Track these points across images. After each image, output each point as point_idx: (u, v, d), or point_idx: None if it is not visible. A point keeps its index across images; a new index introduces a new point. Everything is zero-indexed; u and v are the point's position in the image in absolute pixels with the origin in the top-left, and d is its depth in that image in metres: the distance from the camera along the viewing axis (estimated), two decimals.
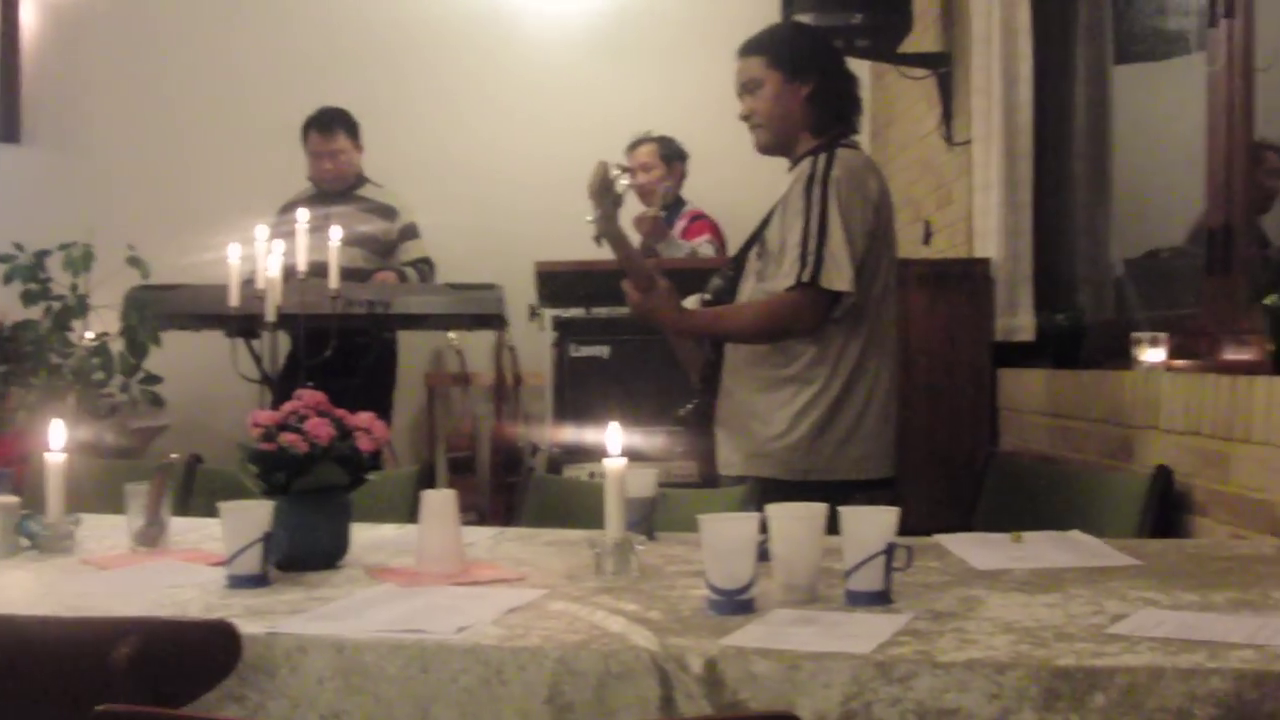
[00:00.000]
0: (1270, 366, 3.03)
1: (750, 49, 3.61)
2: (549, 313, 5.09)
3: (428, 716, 1.98)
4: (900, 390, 4.51)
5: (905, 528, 3.00)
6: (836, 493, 3.14)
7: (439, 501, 2.60)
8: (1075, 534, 2.90)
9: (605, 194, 3.36)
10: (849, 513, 2.27)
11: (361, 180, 6.50)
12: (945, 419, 4.77)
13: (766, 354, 3.45)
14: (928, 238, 5.96)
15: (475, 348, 7.18)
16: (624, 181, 3.39)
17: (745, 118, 3.59)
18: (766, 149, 3.60)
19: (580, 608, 2.23)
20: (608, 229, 3.40)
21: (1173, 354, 3.66)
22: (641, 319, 3.52)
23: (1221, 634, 1.97)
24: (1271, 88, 3.54)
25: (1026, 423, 4.56)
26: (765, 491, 3.19)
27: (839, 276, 3.29)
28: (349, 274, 5.72)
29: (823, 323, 3.36)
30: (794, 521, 2.27)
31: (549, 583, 2.46)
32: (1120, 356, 3.85)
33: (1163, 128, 4.50)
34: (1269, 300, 2.99)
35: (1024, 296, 4.77)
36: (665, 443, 4.42)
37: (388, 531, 3.08)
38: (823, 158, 3.40)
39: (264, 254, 4.44)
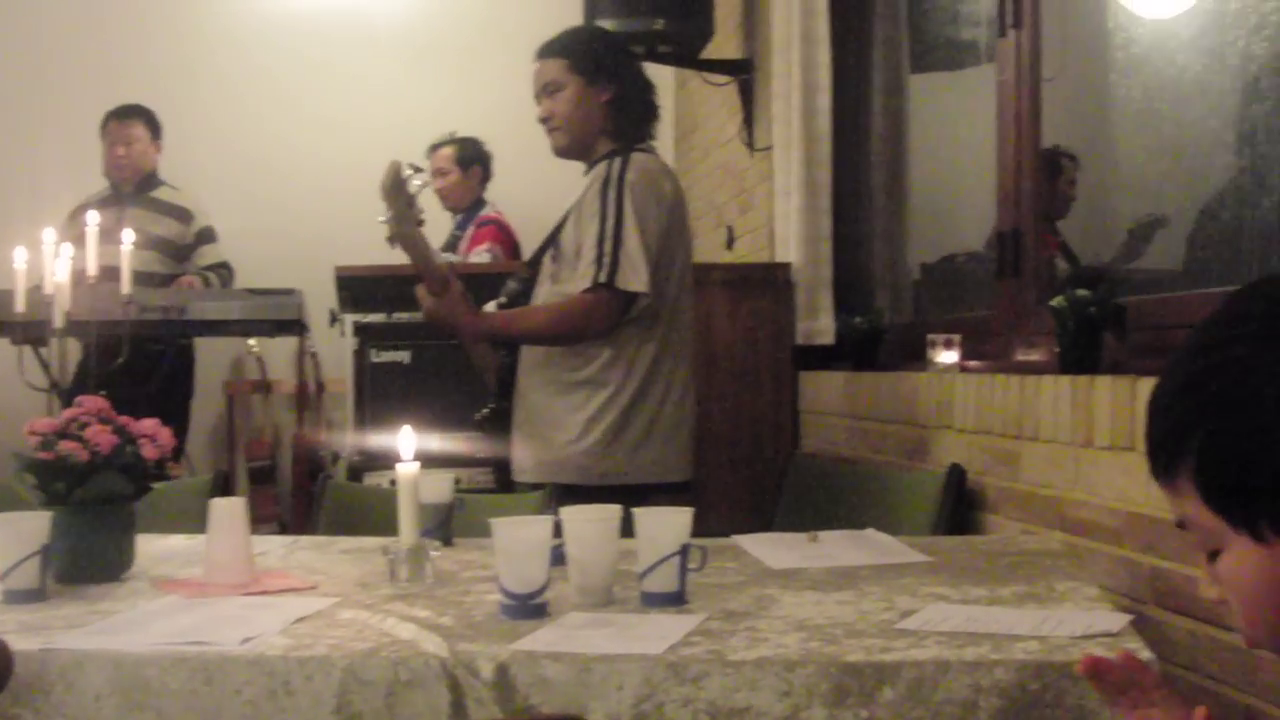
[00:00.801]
0: (1057, 367, 3.10)
1: (550, 51, 3.59)
2: (349, 318, 5.00)
3: None
4: (703, 393, 4.55)
5: (707, 529, 3.01)
6: (633, 496, 3.14)
7: (227, 510, 2.53)
8: (870, 532, 2.94)
9: (398, 194, 3.30)
10: (643, 514, 2.26)
11: (156, 181, 6.33)
12: (747, 421, 4.80)
13: (561, 357, 3.42)
14: (730, 243, 6.01)
15: (276, 354, 7.03)
16: (417, 182, 3.33)
17: (544, 120, 3.57)
18: (563, 152, 3.58)
19: (371, 615, 2.18)
20: (400, 230, 3.34)
21: (966, 355, 3.73)
22: (436, 323, 3.46)
23: (1006, 627, 2.01)
24: (1058, 97, 3.63)
25: (826, 424, 4.62)
26: (562, 495, 3.17)
27: (635, 278, 3.29)
28: (143, 279, 5.57)
29: (618, 324, 3.35)
30: (588, 524, 2.26)
31: (341, 591, 2.41)
32: (917, 358, 3.92)
33: (957, 136, 4.59)
34: (1056, 303, 3.06)
35: (824, 300, 4.83)
36: (466, 447, 4.37)
37: (177, 542, 2.99)
38: (618, 161, 3.40)
39: (52, 258, 4.28)
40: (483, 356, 3.63)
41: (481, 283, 3.86)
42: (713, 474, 4.69)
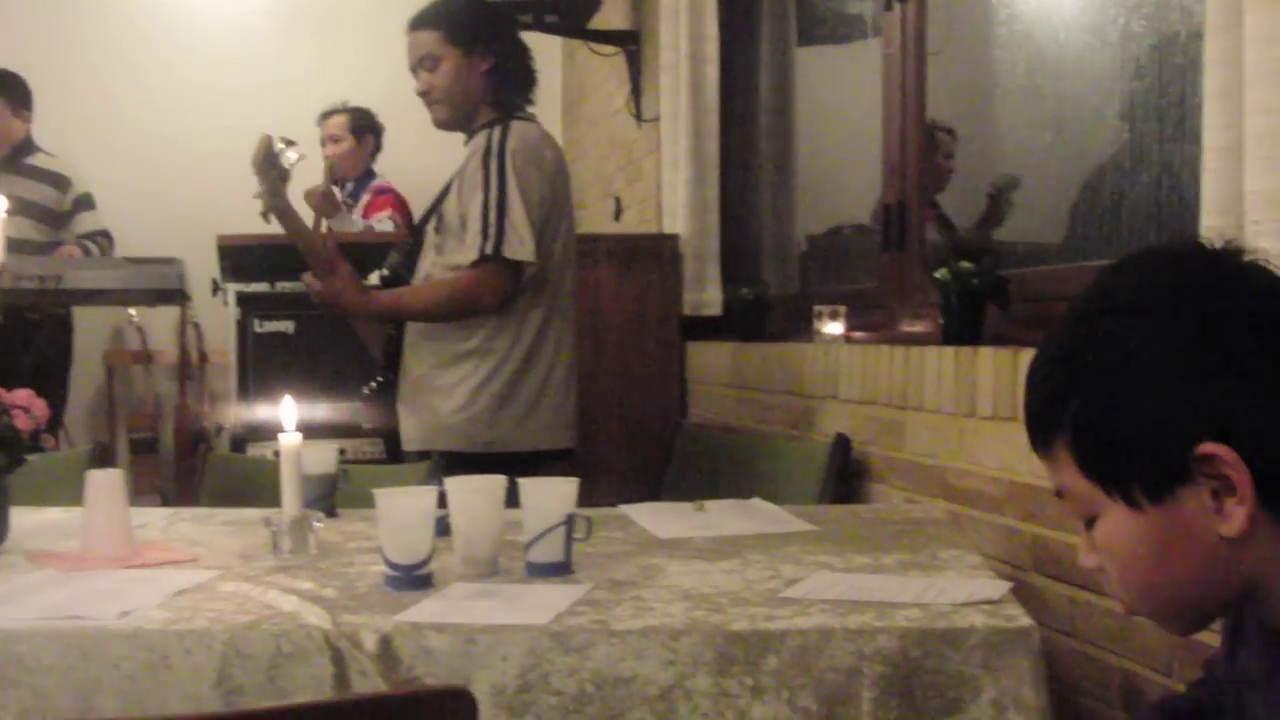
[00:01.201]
0: (941, 338, 3.13)
1: (424, 22, 3.51)
2: (232, 287, 4.92)
3: (89, 706, 1.88)
4: (591, 363, 4.55)
5: (595, 499, 3.01)
6: (520, 464, 3.14)
7: (104, 481, 2.47)
8: (756, 502, 2.95)
9: (269, 168, 3.23)
10: (528, 484, 2.25)
11: (31, 148, 6.18)
12: (635, 392, 4.81)
13: (447, 328, 3.39)
14: (618, 213, 6.00)
15: (157, 324, 6.91)
16: (291, 156, 3.26)
17: (423, 94, 3.51)
18: (445, 124, 3.53)
19: (253, 588, 2.15)
20: (274, 204, 3.27)
21: (852, 327, 3.76)
22: (325, 307, 3.39)
23: (889, 595, 2.03)
24: (943, 71, 3.66)
25: (714, 395, 4.63)
26: (449, 465, 3.15)
27: (521, 247, 3.26)
28: (19, 246, 5.44)
29: (511, 296, 3.33)
30: (472, 494, 2.24)
31: (222, 563, 2.37)
32: (803, 330, 3.94)
33: (844, 109, 4.62)
34: (939, 275, 3.09)
35: (711, 271, 4.85)
36: (352, 418, 4.33)
37: (53, 515, 2.92)
38: (498, 131, 3.36)
39: None
40: (368, 330, 3.59)
41: (361, 253, 3.81)
42: (601, 444, 4.68)
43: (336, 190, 6.08)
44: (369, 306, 3.39)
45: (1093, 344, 1.16)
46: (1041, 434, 1.21)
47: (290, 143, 3.30)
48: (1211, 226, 2.10)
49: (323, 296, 3.34)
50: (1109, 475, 1.16)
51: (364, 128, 6.32)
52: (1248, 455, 1.10)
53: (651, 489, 4.06)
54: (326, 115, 6.29)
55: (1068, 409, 1.17)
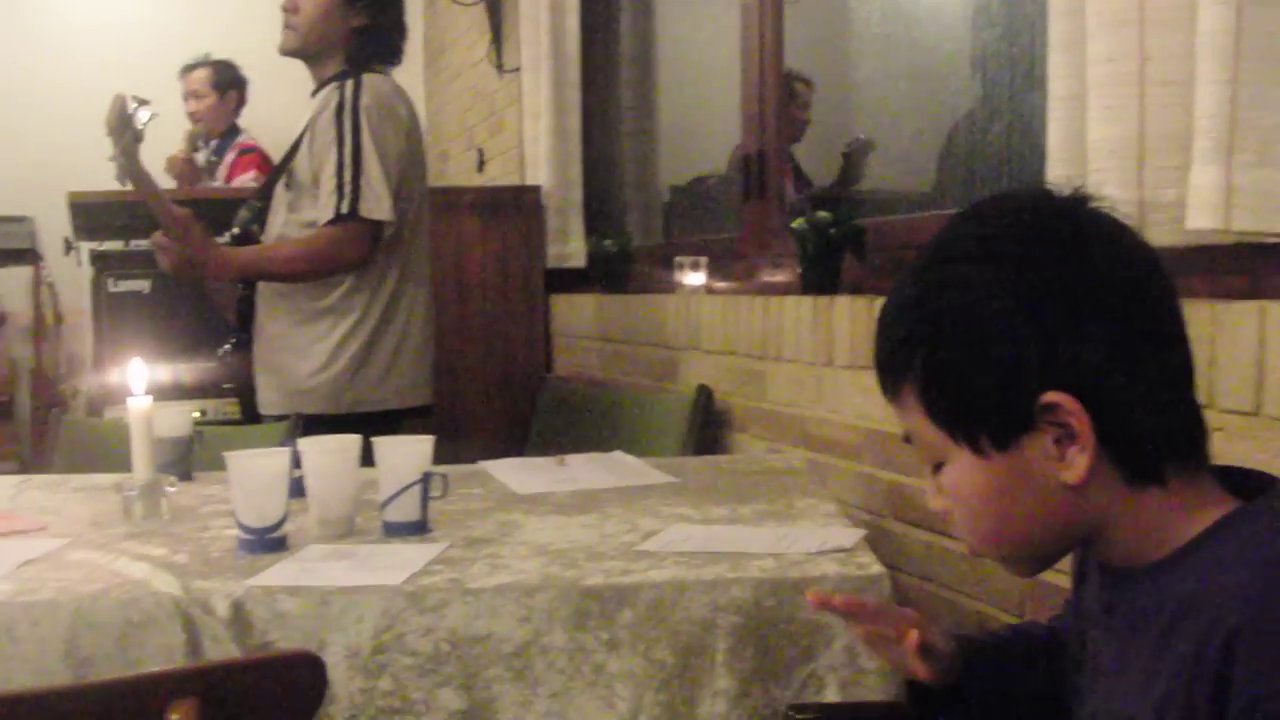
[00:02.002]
0: (800, 287, 3.15)
1: None
2: (85, 246, 4.80)
3: None
4: (454, 318, 4.51)
5: (460, 455, 2.99)
6: (380, 423, 3.11)
7: None
8: (617, 455, 2.96)
9: (124, 130, 3.13)
10: (383, 444, 2.23)
11: None
12: (500, 346, 4.78)
13: (300, 286, 3.32)
14: (481, 165, 5.95)
15: (9, 285, 6.73)
16: (143, 115, 3.16)
17: (286, 10, 3.38)
18: (289, 52, 3.41)
19: (102, 556, 2.10)
20: (129, 167, 3.18)
21: (713, 277, 3.77)
22: (178, 271, 3.30)
23: (744, 545, 2.04)
24: (800, 20, 3.66)
25: (578, 347, 4.63)
26: (309, 426, 3.11)
27: (378, 206, 3.21)
28: None
29: (371, 254, 3.28)
30: (326, 455, 2.21)
31: (72, 531, 2.32)
32: (666, 281, 3.94)
33: (704, 58, 4.61)
34: (797, 225, 3.10)
35: (575, 223, 4.83)
36: (211, 378, 4.26)
37: None
38: (350, 85, 3.28)
39: None
40: (220, 291, 3.51)
41: (215, 209, 3.73)
42: (466, 399, 4.66)
43: (199, 157, 5.96)
44: (225, 268, 3.30)
45: (940, 292, 1.17)
46: (890, 380, 1.22)
47: (143, 102, 3.19)
48: (1058, 175, 2.12)
49: (177, 260, 3.25)
50: (955, 422, 1.17)
51: (227, 82, 6.17)
52: (1090, 404, 1.11)
53: (517, 444, 4.06)
54: (188, 69, 6.14)
55: (915, 356, 1.18)
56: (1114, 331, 1.12)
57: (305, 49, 3.39)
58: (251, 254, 3.36)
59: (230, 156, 6.03)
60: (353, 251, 3.24)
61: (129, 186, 3.24)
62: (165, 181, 5.02)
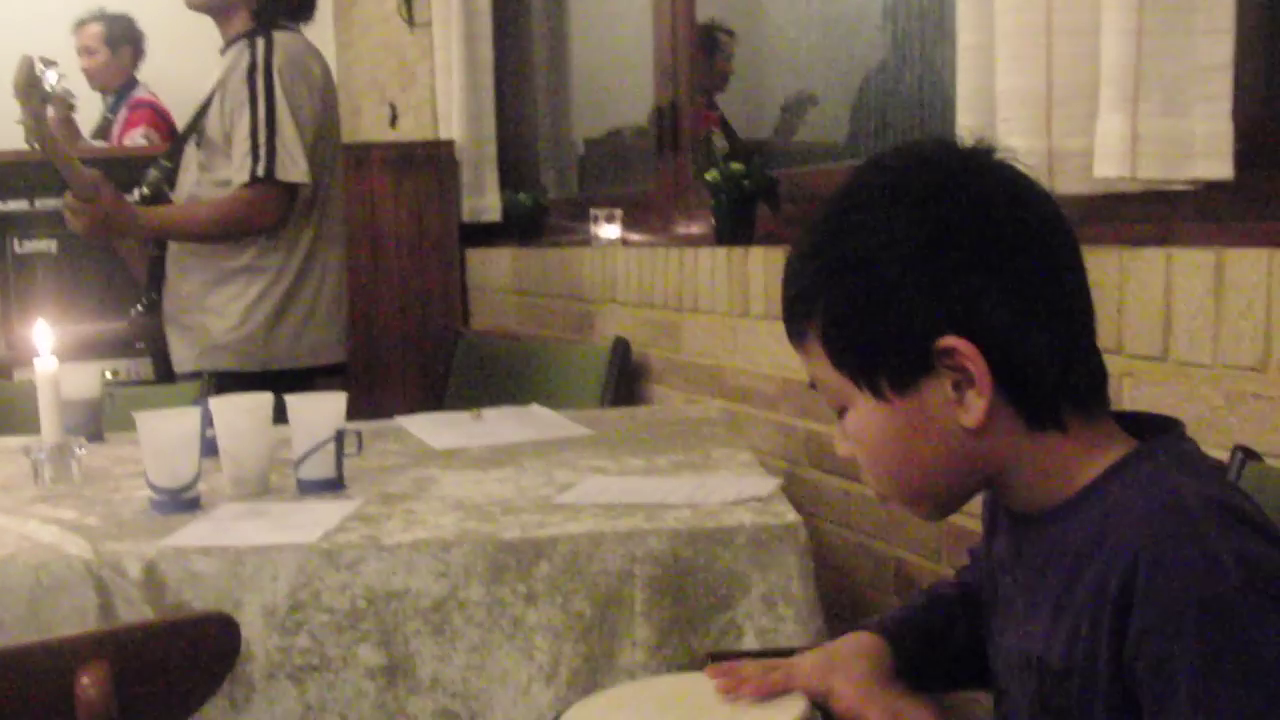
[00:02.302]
0: (714, 238, 3.15)
1: None
2: None
3: None
4: (369, 274, 4.49)
5: (378, 412, 2.98)
6: (294, 382, 3.08)
7: None
8: (534, 408, 2.95)
9: (32, 92, 3.06)
10: (296, 401, 2.21)
11: None
12: (416, 301, 4.76)
13: (214, 246, 3.29)
14: (394, 120, 5.88)
15: None
16: (52, 77, 3.09)
17: None
18: (197, 7, 3.35)
19: (11, 520, 2.07)
20: (38, 130, 3.11)
21: (629, 229, 3.77)
22: (90, 233, 3.23)
23: (660, 496, 2.04)
24: None
25: (495, 301, 4.61)
26: (223, 385, 3.07)
27: (294, 168, 3.17)
28: None
29: (286, 216, 3.24)
30: (238, 413, 2.19)
31: None
32: (582, 234, 3.93)
33: (618, 9, 4.58)
34: (710, 176, 3.10)
35: (489, 177, 4.81)
36: (124, 338, 4.20)
37: None
38: (261, 44, 3.22)
39: None
40: (130, 250, 3.46)
41: (133, 167, 3.67)
42: (383, 355, 4.64)
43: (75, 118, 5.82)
44: (138, 230, 3.25)
45: (842, 239, 1.18)
46: (795, 327, 1.23)
47: (51, 63, 3.12)
48: (967, 124, 2.14)
49: (88, 223, 3.19)
50: (856, 367, 1.18)
51: (120, 38, 6.01)
52: (987, 348, 1.12)
53: (434, 399, 4.04)
54: (80, 25, 5.99)
55: (817, 303, 1.19)
56: (1012, 277, 1.13)
57: (211, 3, 3.33)
58: (164, 215, 3.31)
59: (124, 113, 5.90)
60: (268, 214, 3.21)
61: (39, 149, 3.17)
62: None
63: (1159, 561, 1.03)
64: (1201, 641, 1.00)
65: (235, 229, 3.23)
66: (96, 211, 3.14)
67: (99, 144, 5.58)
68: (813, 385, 1.25)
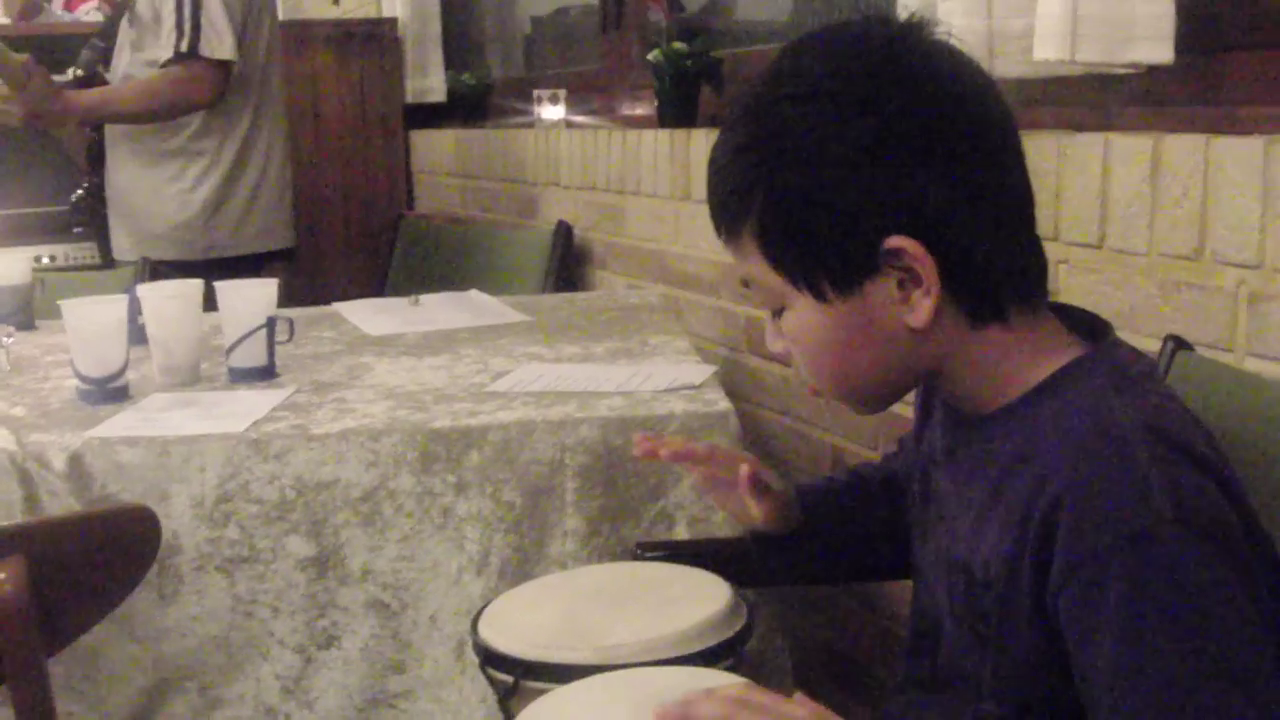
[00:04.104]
0: (657, 121, 3.11)
1: None
2: None
3: None
4: (312, 156, 4.42)
5: (320, 297, 2.94)
6: (240, 267, 3.05)
7: None
8: (473, 294, 2.92)
9: None
10: (225, 289, 2.17)
11: None
12: (360, 184, 4.70)
13: (149, 129, 3.22)
14: None
15: None
16: None
17: None
18: None
19: None
20: None
21: (573, 111, 3.71)
22: (24, 120, 3.17)
23: (594, 384, 2.03)
24: None
25: (439, 184, 4.55)
26: (167, 273, 3.03)
27: (220, 45, 3.10)
28: None
29: (221, 93, 3.17)
30: (166, 300, 2.15)
31: None
32: (527, 115, 3.87)
33: None
34: (653, 57, 3.05)
35: (434, 56, 4.73)
36: (62, 223, 4.13)
37: None
38: None
39: None
40: (68, 135, 3.39)
41: (69, 44, 3.59)
42: (325, 240, 4.59)
43: None
44: (68, 114, 3.19)
45: (778, 134, 1.12)
46: (727, 223, 1.18)
47: None
48: (907, 4, 2.09)
49: (21, 109, 3.12)
50: (796, 269, 1.14)
51: None
52: (933, 245, 1.09)
53: (376, 284, 4.00)
54: None
55: (753, 201, 1.13)
56: (955, 169, 1.09)
57: None
58: (95, 97, 3.24)
59: None
60: (198, 92, 3.14)
61: None
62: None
63: (1088, 493, 1.01)
64: (1129, 576, 0.98)
65: (165, 108, 3.16)
66: (27, 99, 3.08)
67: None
68: (745, 284, 1.22)
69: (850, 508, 1.46)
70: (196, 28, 3.08)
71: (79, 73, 3.34)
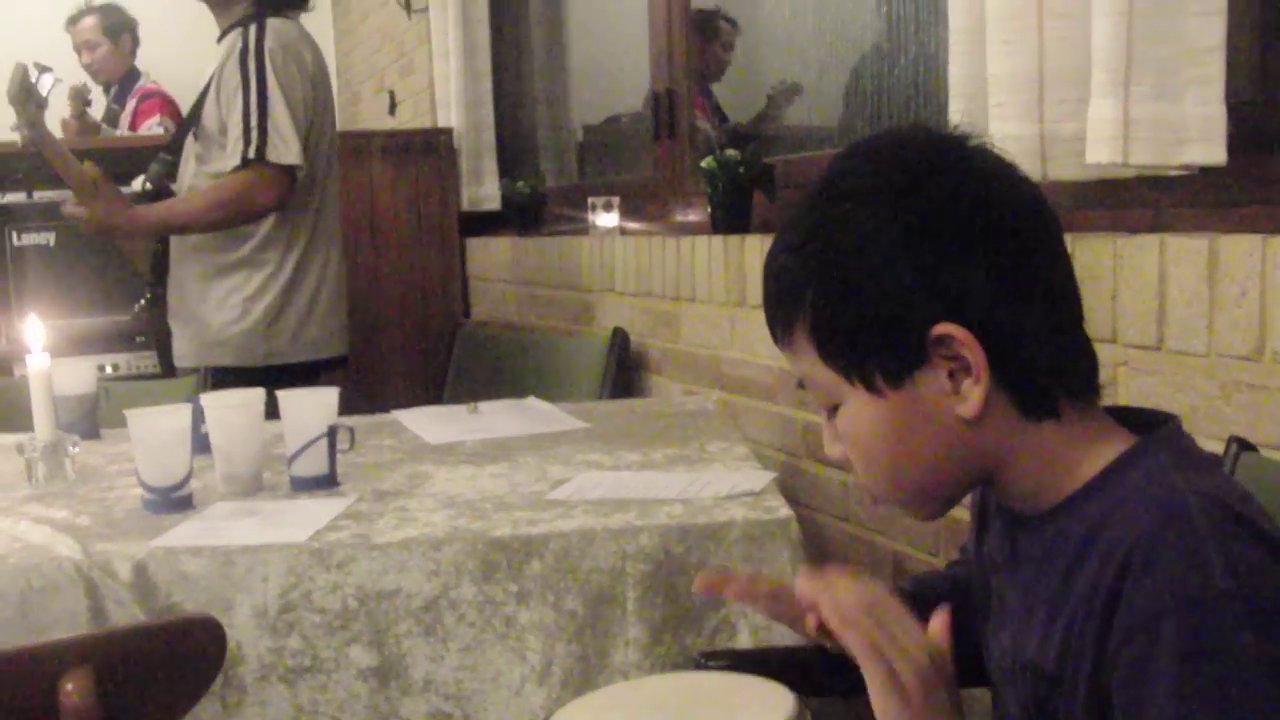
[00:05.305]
0: (711, 227, 3.13)
1: None
2: None
3: None
4: (369, 265, 4.47)
5: (378, 405, 2.96)
6: (296, 376, 3.07)
7: None
8: (531, 400, 2.93)
9: (27, 99, 3.06)
10: (287, 397, 2.19)
11: None
12: (416, 292, 4.74)
13: (214, 239, 3.26)
14: (392, 108, 5.88)
15: None
16: (47, 81, 3.09)
17: None
18: None
19: (3, 520, 2.06)
20: (36, 136, 3.10)
21: (627, 218, 3.74)
22: (94, 233, 3.23)
23: (654, 492, 2.03)
24: None
25: (495, 292, 4.59)
26: (224, 380, 3.07)
27: (286, 150, 3.14)
28: None
29: (287, 198, 3.20)
30: (229, 410, 2.17)
31: None
32: (580, 222, 3.91)
33: None
34: (706, 164, 3.08)
35: (488, 165, 4.79)
36: (125, 332, 4.20)
37: None
38: (253, 29, 3.20)
39: None
40: (132, 245, 3.44)
41: (134, 157, 3.65)
42: (383, 347, 4.62)
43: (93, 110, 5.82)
44: (139, 225, 3.22)
45: (825, 231, 1.16)
46: (780, 325, 1.21)
47: (45, 69, 3.12)
48: (959, 109, 2.11)
49: (91, 221, 3.18)
50: (848, 362, 1.16)
51: (117, 27, 6.01)
52: (981, 335, 1.11)
53: (435, 390, 4.03)
54: (73, 21, 5.98)
55: (805, 297, 1.16)
56: (1000, 263, 1.12)
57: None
58: (162, 209, 3.29)
59: (132, 104, 5.90)
60: (264, 195, 3.17)
61: (36, 152, 3.16)
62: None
63: (1148, 562, 1.01)
64: (1180, 643, 0.98)
65: (233, 213, 3.19)
66: (96, 211, 3.14)
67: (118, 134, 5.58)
68: (801, 385, 1.23)
69: (920, 618, 1.45)
70: (264, 134, 3.12)
71: (148, 186, 3.39)
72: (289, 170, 3.17)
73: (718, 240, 3.03)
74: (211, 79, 3.25)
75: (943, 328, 1.11)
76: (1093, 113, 1.81)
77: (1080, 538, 1.10)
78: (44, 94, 3.10)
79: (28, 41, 5.40)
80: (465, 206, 4.78)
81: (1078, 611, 1.07)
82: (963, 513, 1.31)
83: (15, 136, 3.26)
